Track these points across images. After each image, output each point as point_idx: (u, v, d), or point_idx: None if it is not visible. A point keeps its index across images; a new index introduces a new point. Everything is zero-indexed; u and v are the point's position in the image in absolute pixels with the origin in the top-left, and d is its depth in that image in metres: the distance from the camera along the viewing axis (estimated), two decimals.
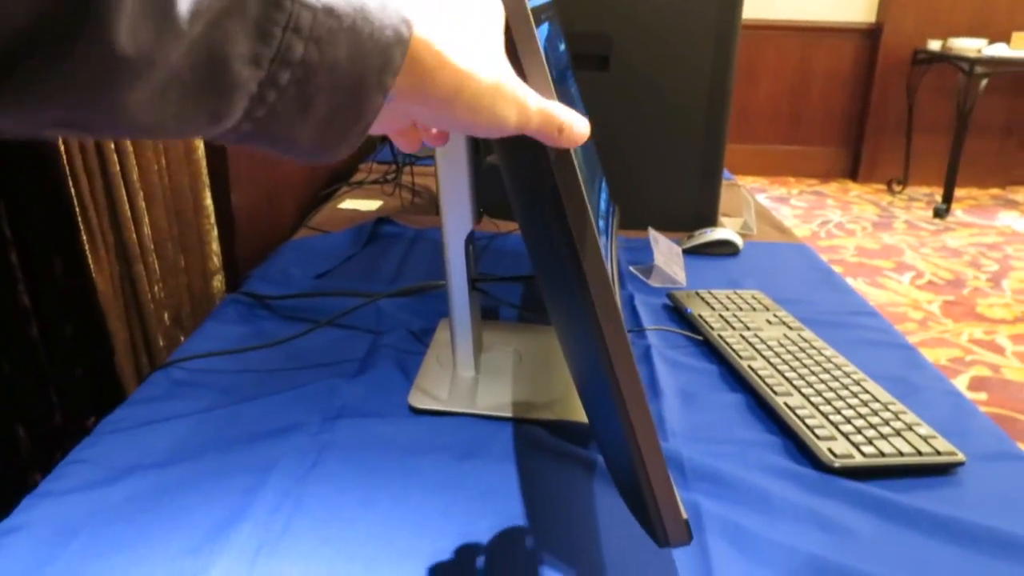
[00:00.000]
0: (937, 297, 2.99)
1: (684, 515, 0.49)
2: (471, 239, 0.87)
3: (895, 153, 4.55)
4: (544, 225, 0.53)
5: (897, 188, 4.51)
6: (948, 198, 3.97)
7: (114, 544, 0.62)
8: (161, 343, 1.09)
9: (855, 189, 4.55)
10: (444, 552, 0.62)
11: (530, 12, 0.43)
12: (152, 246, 1.06)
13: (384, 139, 2.20)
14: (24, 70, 0.22)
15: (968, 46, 4.01)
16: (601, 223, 0.83)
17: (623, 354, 0.46)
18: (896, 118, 4.51)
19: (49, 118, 0.24)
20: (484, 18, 0.38)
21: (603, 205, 0.90)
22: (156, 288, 1.08)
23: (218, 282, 1.25)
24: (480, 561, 0.62)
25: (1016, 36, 4.10)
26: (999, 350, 2.57)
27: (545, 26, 0.88)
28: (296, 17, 0.27)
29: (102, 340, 1.00)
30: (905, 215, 4.05)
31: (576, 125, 0.41)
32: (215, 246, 1.24)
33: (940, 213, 3.98)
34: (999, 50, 3.93)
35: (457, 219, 0.82)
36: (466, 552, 0.63)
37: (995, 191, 4.57)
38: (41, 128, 0.25)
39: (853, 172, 4.72)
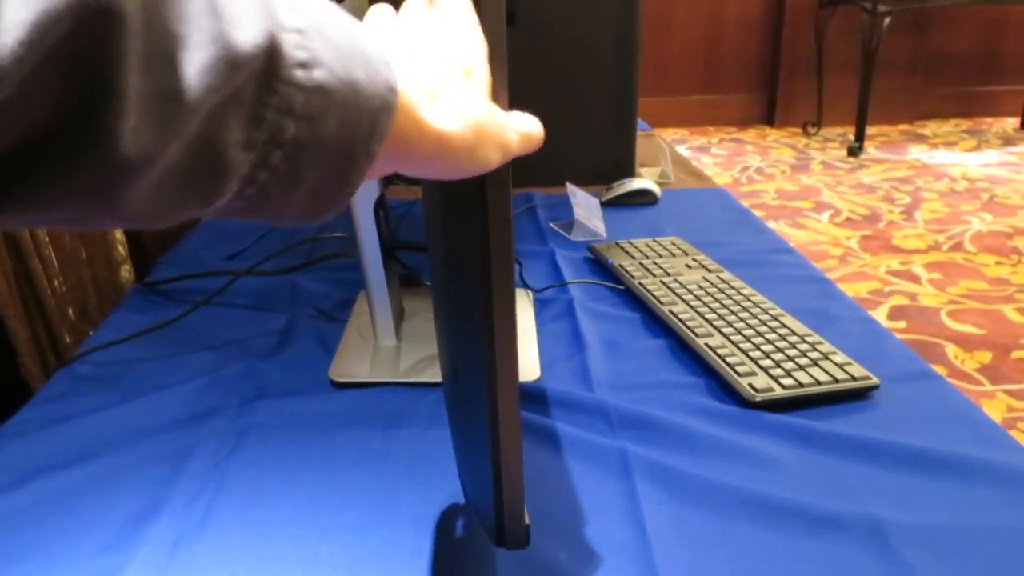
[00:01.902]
0: (855, 233, 3.08)
1: (527, 520, 0.50)
2: (382, 205, 0.84)
3: (809, 96, 4.65)
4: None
5: (812, 130, 4.62)
6: (860, 136, 4.08)
7: (22, 551, 0.59)
8: (68, 339, 1.04)
9: (772, 134, 4.64)
10: (370, 525, 0.61)
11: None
12: (47, 239, 1.01)
13: None
14: (26, 181, 0.22)
15: None
16: None
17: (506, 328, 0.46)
18: (807, 61, 4.60)
19: (43, 219, 0.25)
20: (466, 57, 0.37)
21: None
22: (56, 282, 1.03)
23: (126, 272, 1.20)
24: (406, 532, 0.61)
25: None
26: (915, 279, 2.67)
27: None
28: (288, 99, 0.26)
29: (1, 341, 0.95)
30: (821, 156, 4.15)
31: (541, 133, 0.40)
32: (119, 234, 1.18)
33: (854, 151, 4.09)
34: None
35: (364, 185, 0.80)
36: (391, 524, 0.62)
37: (904, 127, 4.72)
38: (34, 226, 0.25)
39: (769, 117, 4.81)
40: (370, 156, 0.30)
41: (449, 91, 0.35)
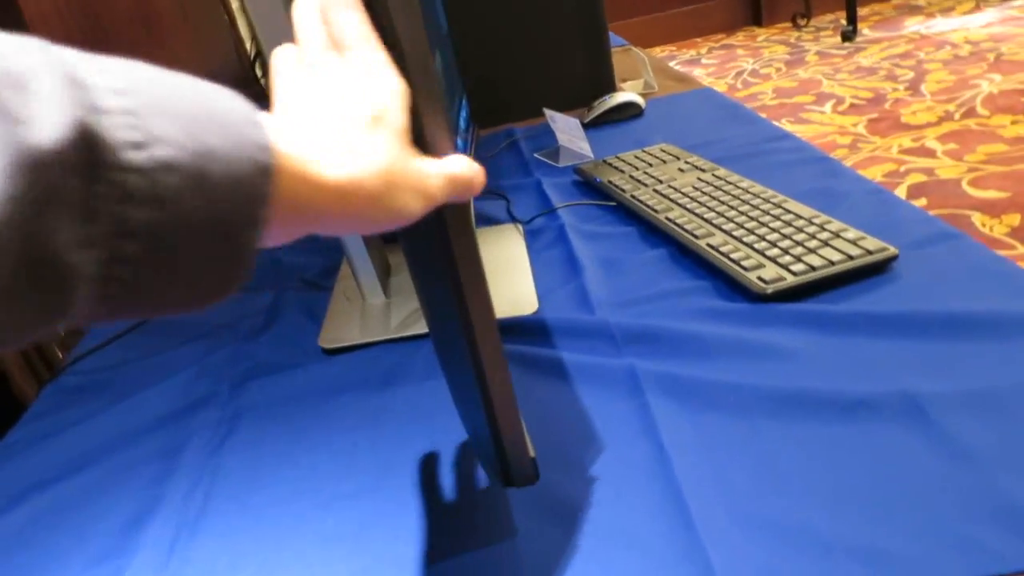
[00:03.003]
0: (861, 117, 2.97)
1: (532, 453, 0.47)
2: None
3: None
4: None
5: (802, 22, 4.46)
6: (852, 19, 3.93)
7: (19, 574, 0.56)
8: (60, 355, 1.01)
9: (762, 34, 4.49)
10: (374, 489, 0.58)
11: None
12: None
13: (263, 91, 2.08)
14: None
15: None
16: (460, 142, 0.77)
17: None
18: None
19: None
20: (377, 104, 0.34)
21: (462, 123, 0.84)
22: None
23: None
24: (413, 490, 0.57)
25: None
26: (930, 153, 2.57)
27: None
28: (122, 185, 0.24)
29: None
30: (815, 47, 4.01)
31: (478, 176, 0.38)
32: None
33: (848, 36, 3.95)
34: None
35: None
36: (397, 485, 0.58)
37: (897, 1, 4.54)
38: None
39: (756, 17, 4.65)
40: (255, 224, 0.27)
41: (352, 141, 0.32)
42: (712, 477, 0.52)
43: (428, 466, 0.59)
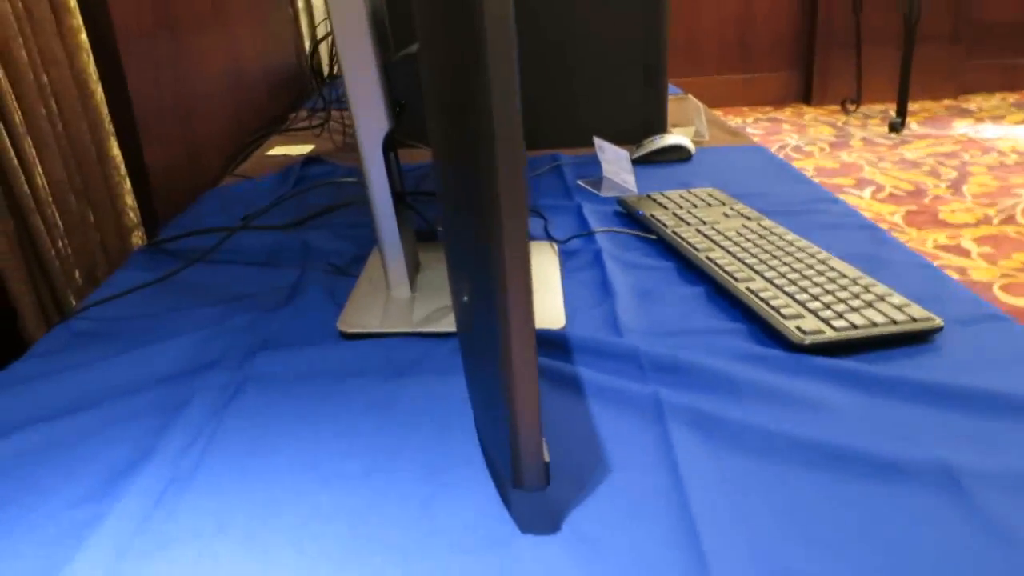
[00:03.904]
0: (899, 208, 2.96)
1: (546, 458, 0.46)
2: (391, 145, 0.78)
3: (846, 72, 4.51)
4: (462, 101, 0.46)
5: (851, 107, 4.48)
6: (902, 112, 3.94)
7: None
8: (74, 303, 1.00)
9: (810, 112, 4.50)
10: (373, 472, 0.55)
11: None
12: (49, 198, 0.96)
13: (317, 85, 2.09)
14: None
15: None
16: None
17: (518, 250, 0.40)
18: (844, 35, 4.45)
19: None
20: None
21: None
22: (61, 243, 0.99)
23: (137, 238, 1.15)
24: (413, 479, 0.55)
25: None
26: (965, 253, 2.55)
27: None
28: None
29: (3, 302, 0.91)
30: (861, 133, 4.01)
31: None
32: (129, 200, 1.14)
33: (895, 127, 3.95)
34: None
35: (370, 120, 0.74)
36: (397, 471, 0.55)
37: (948, 101, 4.55)
38: None
39: (806, 95, 4.67)
40: None
41: None
42: (729, 516, 0.49)
43: (431, 459, 0.56)
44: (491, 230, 0.40)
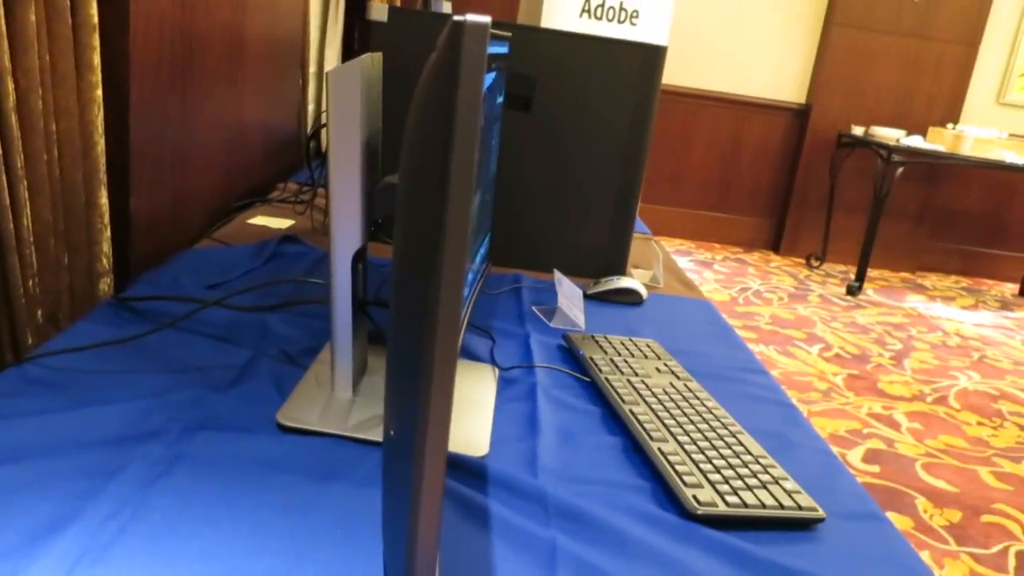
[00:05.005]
0: (842, 370, 3.08)
1: None
2: (361, 257, 0.85)
3: (816, 229, 4.73)
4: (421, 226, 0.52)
5: (815, 263, 4.68)
6: (861, 277, 4.13)
7: None
8: (30, 340, 1.03)
9: (776, 260, 4.69)
10: (279, 575, 0.59)
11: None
12: (31, 238, 1.01)
13: (308, 163, 2.17)
14: None
15: (888, 134, 4.22)
16: (470, 275, 0.83)
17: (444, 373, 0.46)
18: (819, 196, 4.69)
19: None
20: None
21: (478, 259, 0.91)
22: (31, 283, 1.03)
23: (105, 285, 1.19)
24: None
25: (932, 130, 4.33)
26: (895, 425, 2.65)
27: (492, 75, 0.89)
28: None
29: None
30: (820, 289, 4.18)
31: None
32: (106, 247, 1.19)
33: (852, 291, 4.13)
34: (916, 141, 4.15)
35: (346, 234, 0.81)
36: (302, 574, 0.60)
37: (905, 274, 4.78)
38: None
39: (776, 244, 4.88)
40: None
41: None
42: None
43: (335, 574, 0.61)
44: (421, 372, 0.46)
